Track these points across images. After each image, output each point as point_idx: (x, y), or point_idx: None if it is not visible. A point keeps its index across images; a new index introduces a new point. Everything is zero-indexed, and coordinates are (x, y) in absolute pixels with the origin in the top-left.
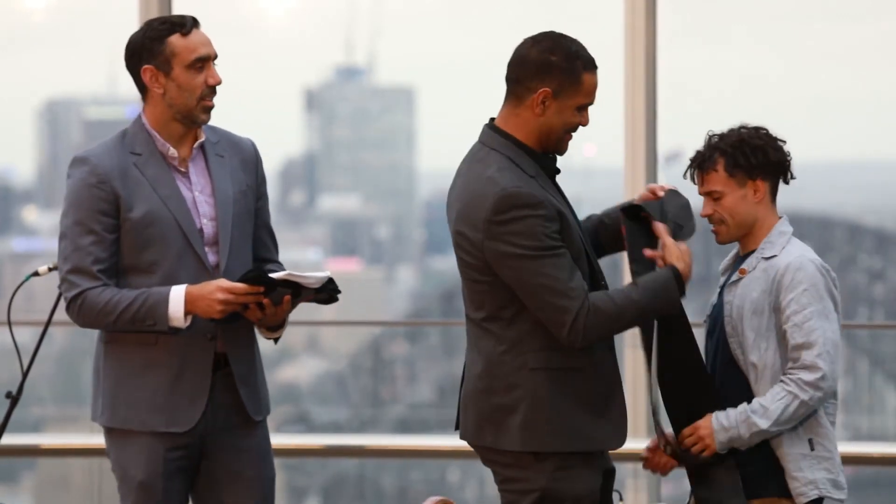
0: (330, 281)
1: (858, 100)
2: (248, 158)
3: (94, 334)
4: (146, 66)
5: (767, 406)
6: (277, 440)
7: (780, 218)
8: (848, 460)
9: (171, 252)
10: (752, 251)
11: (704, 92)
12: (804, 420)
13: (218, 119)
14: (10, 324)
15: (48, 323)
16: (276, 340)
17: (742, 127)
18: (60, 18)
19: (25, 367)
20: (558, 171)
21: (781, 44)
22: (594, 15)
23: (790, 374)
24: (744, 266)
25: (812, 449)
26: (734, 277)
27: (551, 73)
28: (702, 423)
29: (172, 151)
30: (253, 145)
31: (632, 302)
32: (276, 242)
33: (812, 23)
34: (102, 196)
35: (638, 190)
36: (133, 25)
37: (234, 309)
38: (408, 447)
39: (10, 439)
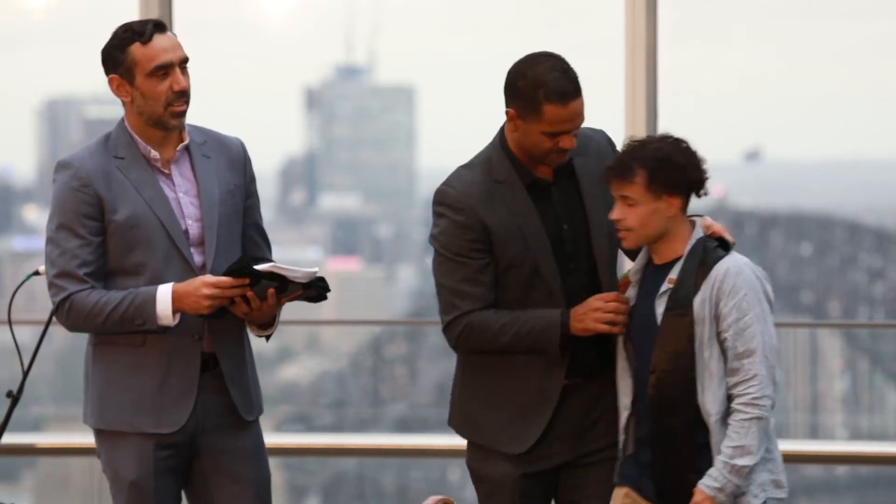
0: (320, 279)
1: (858, 99)
2: (235, 158)
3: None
4: (112, 76)
5: (742, 444)
6: (277, 440)
7: (693, 225)
8: (848, 459)
9: (157, 254)
10: (675, 260)
11: (705, 91)
12: None
13: (218, 118)
14: (10, 323)
15: (48, 322)
16: (267, 338)
17: (665, 137)
18: (60, 17)
19: (26, 366)
20: (544, 184)
21: (782, 42)
22: (594, 14)
23: (738, 399)
24: (672, 276)
25: None
26: (664, 288)
27: (515, 97)
28: (696, 499)
29: (154, 154)
30: (241, 144)
31: (510, 333)
32: (268, 241)
33: (812, 21)
34: (86, 199)
35: None
36: None
37: (222, 303)
38: (408, 446)
39: (10, 438)
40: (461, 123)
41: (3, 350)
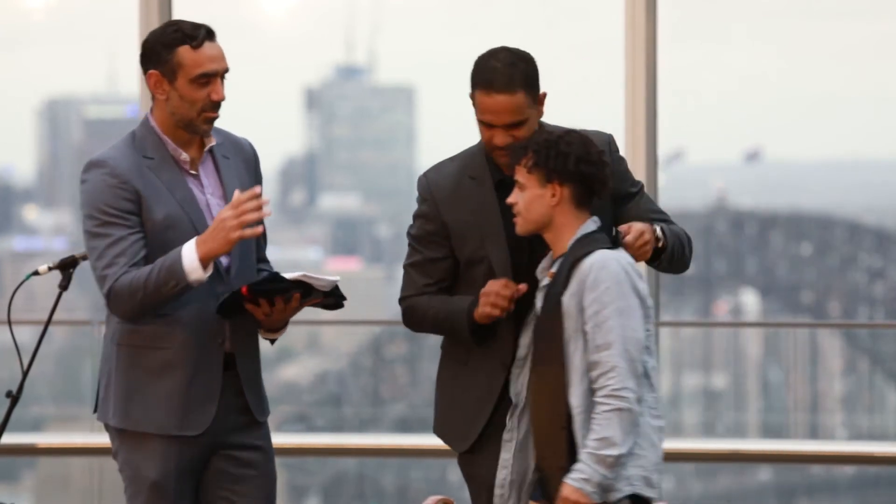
0: (336, 287)
1: (858, 99)
2: (249, 159)
3: (93, 334)
4: (152, 71)
5: (605, 435)
6: (277, 440)
7: (586, 221)
8: (848, 459)
9: None
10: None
11: (705, 91)
12: None
13: (221, 117)
14: (10, 323)
15: (48, 322)
16: (272, 341)
17: (572, 131)
18: (60, 18)
19: (25, 366)
20: (504, 182)
21: (781, 42)
22: (594, 14)
23: (599, 391)
24: (553, 269)
25: None
26: (544, 282)
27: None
28: (563, 493)
29: (185, 156)
30: (251, 145)
31: (434, 320)
32: (266, 240)
33: (812, 21)
34: (125, 196)
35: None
36: (133, 24)
37: (251, 221)
38: (408, 446)
39: (9, 438)
40: (461, 123)
41: (3, 350)
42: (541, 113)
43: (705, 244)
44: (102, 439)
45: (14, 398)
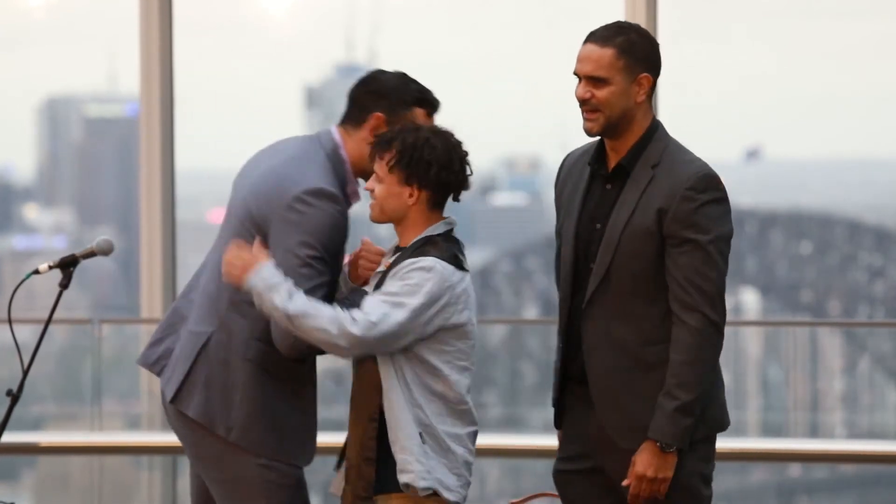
0: None
1: (859, 98)
2: None
3: (93, 333)
4: (379, 114)
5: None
6: None
7: (437, 223)
8: (848, 458)
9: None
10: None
11: (705, 89)
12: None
13: (219, 116)
14: (10, 321)
15: (48, 321)
16: None
17: (438, 132)
18: (61, 16)
19: (26, 365)
20: (609, 173)
21: (782, 42)
22: (594, 14)
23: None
24: (390, 260)
25: (424, 442)
26: (381, 268)
27: None
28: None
29: (357, 192)
30: None
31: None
32: None
33: (812, 21)
34: (345, 237)
35: None
36: (134, 23)
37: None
38: None
39: (10, 437)
40: (462, 122)
41: (4, 348)
42: (637, 94)
43: None
44: (102, 438)
45: (14, 397)
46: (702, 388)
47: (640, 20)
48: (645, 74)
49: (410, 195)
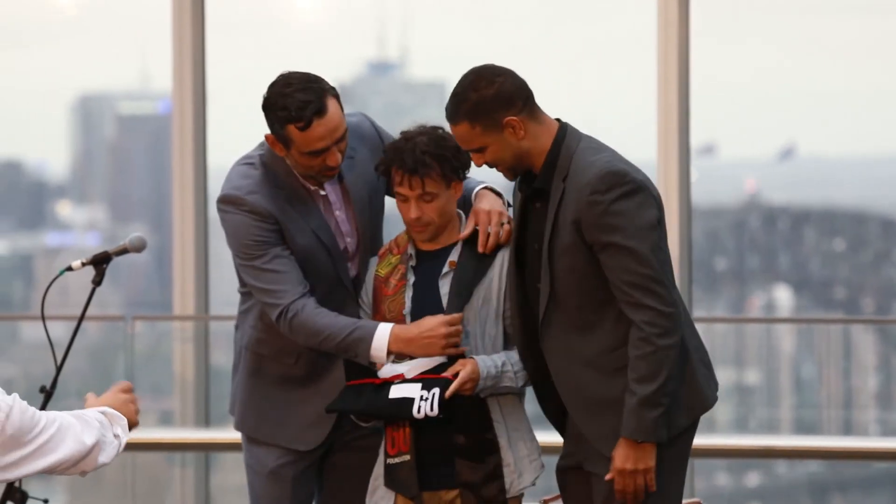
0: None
1: (893, 93)
2: (367, 136)
3: (126, 330)
4: (268, 135)
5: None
6: None
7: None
8: (882, 456)
9: (322, 281)
10: (453, 244)
11: (738, 85)
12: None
13: (250, 115)
14: (43, 318)
15: (81, 317)
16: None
17: (437, 129)
18: (93, 13)
19: (59, 361)
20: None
21: (818, 37)
22: (628, 8)
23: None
24: (452, 258)
25: None
26: (445, 269)
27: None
28: None
29: (314, 188)
30: (364, 118)
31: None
32: None
33: (847, 17)
34: (271, 228)
35: (671, 183)
36: (166, 20)
37: (457, 342)
38: None
39: None
40: None
41: (37, 345)
42: (515, 135)
43: (738, 240)
44: (135, 434)
45: (48, 393)
46: (664, 377)
47: (673, 14)
48: (507, 118)
49: (455, 190)
